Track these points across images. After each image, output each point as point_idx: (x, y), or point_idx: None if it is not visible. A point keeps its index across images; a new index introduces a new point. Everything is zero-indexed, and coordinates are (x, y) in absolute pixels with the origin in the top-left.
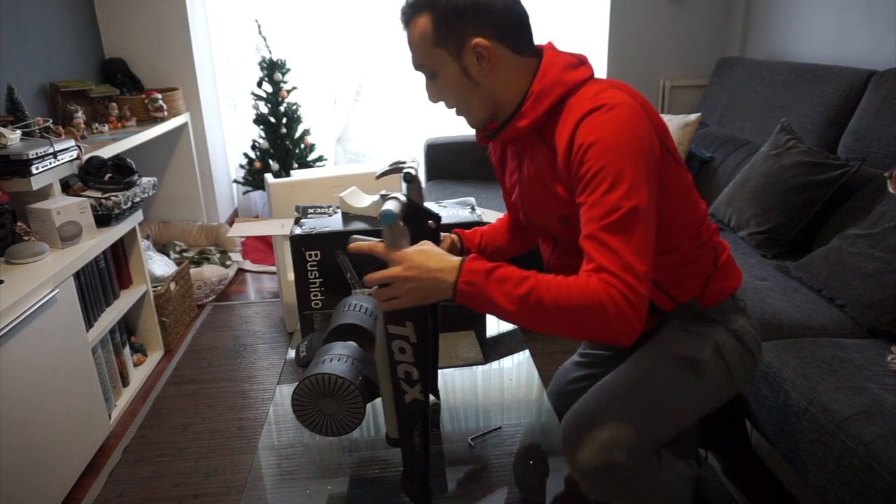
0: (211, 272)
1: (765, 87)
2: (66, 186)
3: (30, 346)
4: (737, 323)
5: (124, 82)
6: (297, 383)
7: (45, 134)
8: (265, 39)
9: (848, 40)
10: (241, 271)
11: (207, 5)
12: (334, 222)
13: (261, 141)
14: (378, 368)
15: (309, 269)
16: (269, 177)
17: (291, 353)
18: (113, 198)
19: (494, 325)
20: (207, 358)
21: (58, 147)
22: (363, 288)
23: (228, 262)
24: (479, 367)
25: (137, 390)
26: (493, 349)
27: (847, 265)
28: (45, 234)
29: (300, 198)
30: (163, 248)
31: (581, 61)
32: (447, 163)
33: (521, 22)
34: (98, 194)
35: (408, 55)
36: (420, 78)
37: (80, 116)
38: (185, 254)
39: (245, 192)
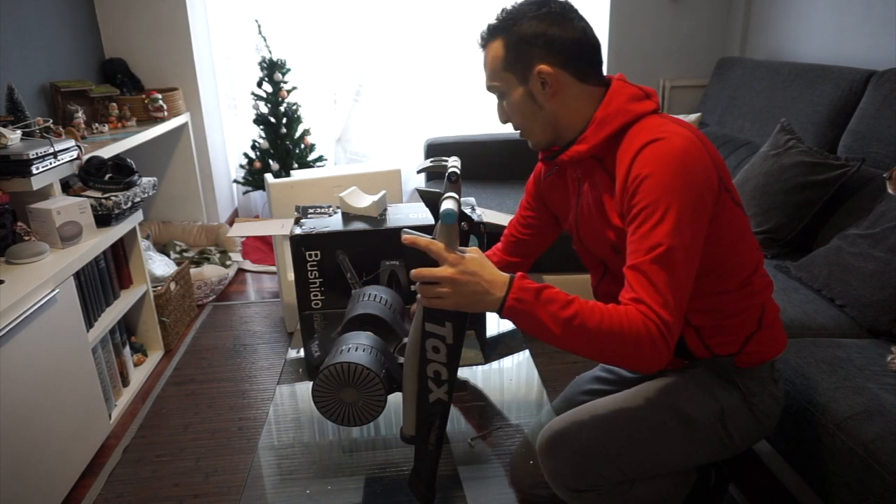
0: (211, 272)
1: (765, 87)
2: (67, 186)
3: (30, 346)
4: (759, 395)
5: (124, 82)
6: (319, 372)
7: (45, 134)
8: (265, 39)
9: (848, 40)
10: (241, 271)
11: (207, 5)
12: (334, 222)
13: (261, 141)
14: (406, 363)
15: (309, 269)
16: (269, 177)
17: (292, 353)
18: (113, 198)
19: (494, 325)
20: (207, 358)
21: (58, 147)
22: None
23: (228, 262)
24: (479, 367)
25: (137, 390)
26: (493, 349)
27: (847, 265)
28: (46, 234)
29: (300, 198)
30: (163, 248)
31: (647, 94)
32: None
33: (588, 52)
34: (98, 194)
35: (408, 55)
36: (420, 78)
37: (81, 116)
38: (185, 254)
39: (245, 192)
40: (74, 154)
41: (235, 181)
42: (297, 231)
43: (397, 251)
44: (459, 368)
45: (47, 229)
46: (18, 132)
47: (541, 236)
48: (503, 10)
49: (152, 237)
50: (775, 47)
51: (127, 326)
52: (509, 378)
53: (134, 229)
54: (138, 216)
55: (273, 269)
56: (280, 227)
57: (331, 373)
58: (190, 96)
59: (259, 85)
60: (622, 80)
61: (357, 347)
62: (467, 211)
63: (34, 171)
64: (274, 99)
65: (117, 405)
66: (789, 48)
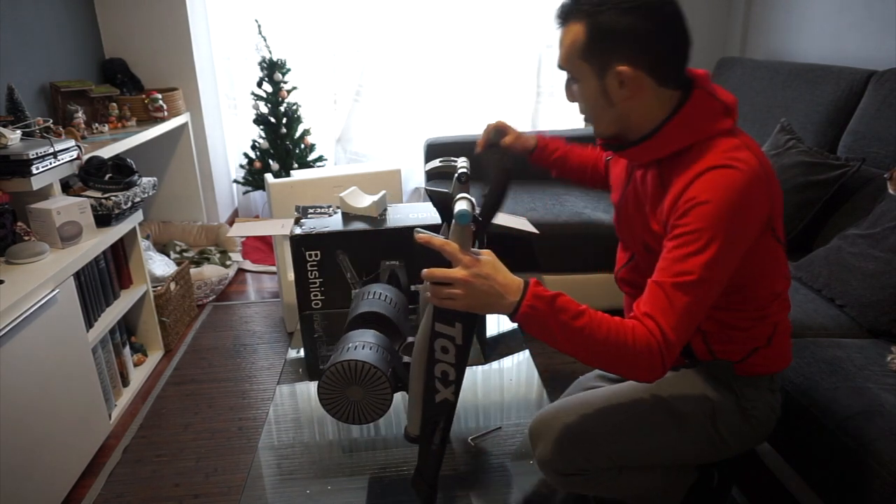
0: (211, 272)
1: (765, 87)
2: (67, 186)
3: (30, 346)
4: (754, 402)
5: (124, 82)
6: (324, 369)
7: (45, 134)
8: (265, 39)
9: (848, 40)
10: (241, 271)
11: (207, 5)
12: (334, 222)
13: (261, 141)
14: (413, 363)
15: (309, 269)
16: (269, 177)
17: (292, 353)
18: (113, 198)
19: (494, 325)
20: (207, 358)
21: (58, 147)
22: (362, 285)
23: (228, 262)
24: (479, 367)
25: (137, 390)
26: (493, 349)
27: (847, 265)
28: (46, 234)
29: (300, 198)
30: (163, 248)
31: (727, 109)
32: None
33: (676, 56)
34: (98, 194)
35: (408, 55)
36: (419, 77)
37: (80, 116)
38: (185, 254)
39: (245, 192)
40: (74, 154)
41: (235, 181)
42: (297, 231)
43: (397, 251)
44: None
45: (47, 229)
46: (18, 132)
47: (590, 173)
48: None
49: (152, 237)
50: (775, 47)
51: (127, 326)
52: (509, 378)
53: (134, 229)
54: (138, 216)
55: (273, 269)
56: (280, 227)
57: (337, 370)
58: (190, 96)
59: (259, 85)
60: (704, 90)
61: (363, 345)
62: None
63: (34, 171)
64: (274, 99)
65: (117, 405)
66: (789, 48)
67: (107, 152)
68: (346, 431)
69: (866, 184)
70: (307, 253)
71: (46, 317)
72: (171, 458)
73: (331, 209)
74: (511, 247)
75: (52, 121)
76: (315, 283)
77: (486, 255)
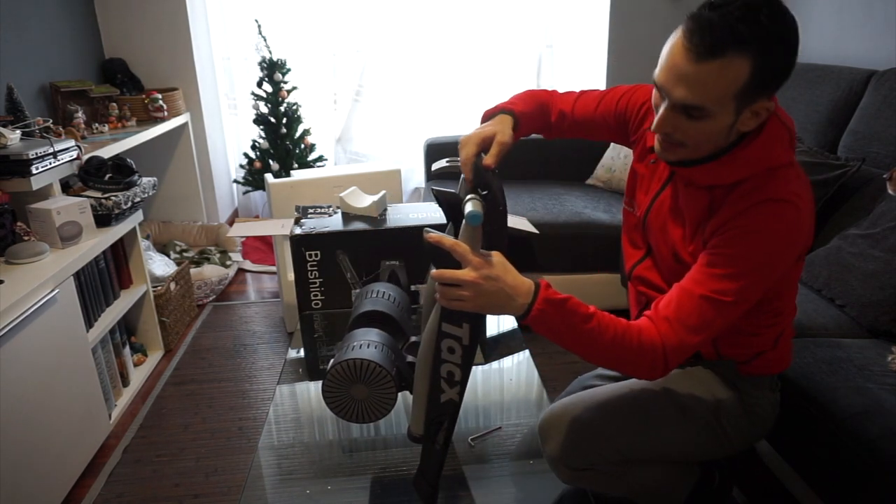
0: (211, 272)
1: None
2: (66, 186)
3: (30, 346)
4: (756, 398)
5: (124, 82)
6: (329, 368)
7: (45, 134)
8: (265, 39)
9: (848, 40)
10: (241, 271)
11: (207, 5)
12: (334, 222)
13: (261, 141)
14: (419, 362)
15: (309, 269)
16: (269, 177)
17: (292, 353)
18: (113, 198)
19: (494, 325)
20: (207, 358)
21: (58, 147)
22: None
23: (228, 262)
24: (479, 367)
25: (137, 390)
26: (493, 349)
27: (847, 265)
28: (45, 234)
29: (300, 198)
30: (163, 248)
31: (792, 138)
32: None
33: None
34: (98, 194)
35: (408, 55)
36: (419, 77)
37: (80, 116)
38: (185, 254)
39: (245, 192)
40: (74, 154)
41: (235, 181)
42: (297, 231)
43: (397, 251)
44: None
45: (47, 229)
46: (18, 132)
47: (572, 129)
48: (752, 9)
49: (152, 237)
50: None
51: (127, 326)
52: (509, 378)
53: (134, 229)
54: (138, 216)
55: (273, 269)
56: (280, 227)
57: (342, 369)
58: (190, 96)
59: (259, 85)
60: (777, 118)
61: (368, 344)
62: None
63: (34, 171)
64: (274, 99)
65: (117, 405)
66: None
67: (107, 152)
68: (347, 431)
69: (866, 184)
70: (307, 253)
71: (46, 317)
72: (171, 458)
73: (331, 209)
74: (511, 247)
75: (51, 121)
76: (315, 283)
77: (496, 257)
